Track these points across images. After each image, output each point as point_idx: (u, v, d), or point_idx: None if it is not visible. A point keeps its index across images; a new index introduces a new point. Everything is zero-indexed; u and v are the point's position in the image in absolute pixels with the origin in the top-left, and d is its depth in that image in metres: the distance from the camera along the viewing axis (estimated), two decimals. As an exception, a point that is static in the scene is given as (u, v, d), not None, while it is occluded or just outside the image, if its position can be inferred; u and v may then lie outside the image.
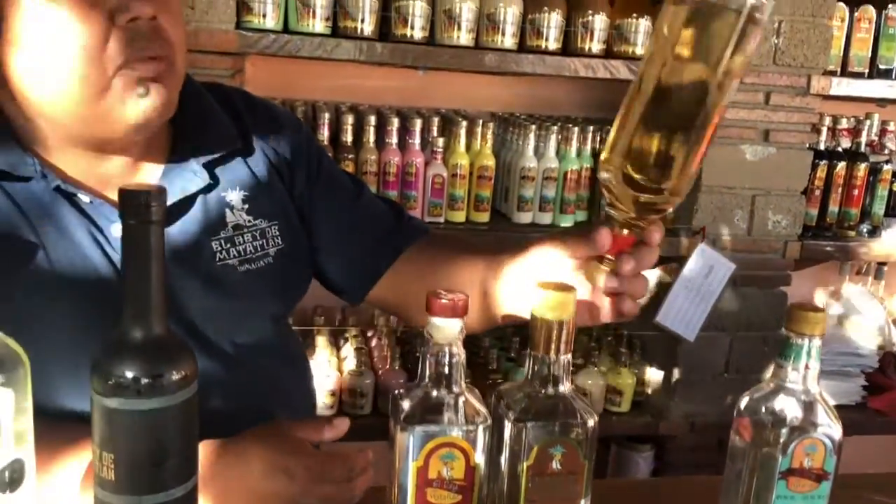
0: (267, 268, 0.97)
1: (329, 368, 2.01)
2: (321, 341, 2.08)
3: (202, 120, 0.97)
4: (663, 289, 2.00)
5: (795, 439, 0.75)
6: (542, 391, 0.69)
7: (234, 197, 0.97)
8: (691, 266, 2.08)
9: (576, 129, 2.03)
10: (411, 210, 1.92)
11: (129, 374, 0.62)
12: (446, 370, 0.67)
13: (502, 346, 2.18)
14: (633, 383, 2.15)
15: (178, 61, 0.88)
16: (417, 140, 1.93)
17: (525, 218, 2.02)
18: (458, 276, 0.98)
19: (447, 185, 1.96)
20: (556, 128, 2.01)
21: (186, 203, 0.93)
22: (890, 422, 2.26)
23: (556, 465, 0.68)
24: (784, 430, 0.75)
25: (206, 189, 0.95)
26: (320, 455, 0.83)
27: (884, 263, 2.40)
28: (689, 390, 2.13)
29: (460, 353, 0.67)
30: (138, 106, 0.84)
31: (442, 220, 1.97)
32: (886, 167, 2.18)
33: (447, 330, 0.66)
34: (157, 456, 0.64)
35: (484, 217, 2.01)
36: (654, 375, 2.21)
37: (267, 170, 1.01)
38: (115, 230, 0.87)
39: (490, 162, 1.98)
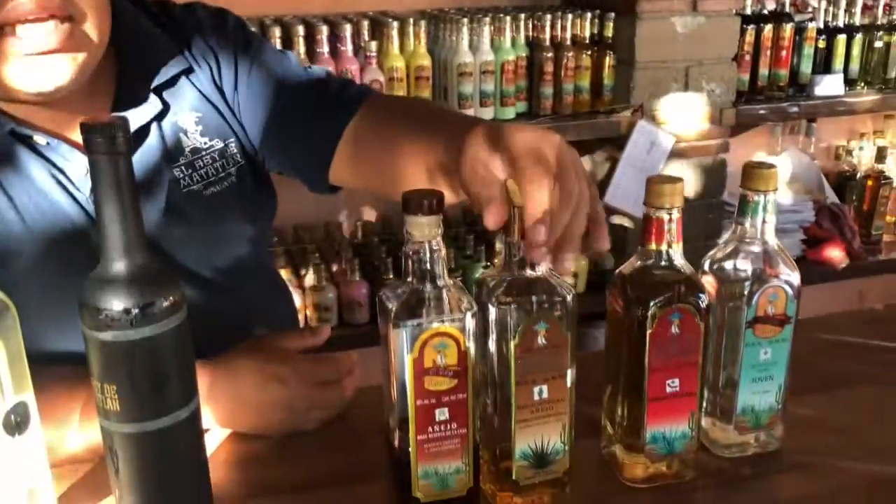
0: (231, 187, 0.96)
1: (290, 288, 2.01)
2: (279, 262, 2.08)
3: (143, 42, 0.92)
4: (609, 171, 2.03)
5: (758, 290, 0.79)
6: (521, 274, 0.71)
7: (187, 120, 0.94)
8: (633, 143, 2.12)
9: (507, 18, 2.01)
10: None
11: (119, 307, 0.63)
12: (429, 265, 0.69)
13: (458, 245, 2.21)
14: (585, 265, 2.21)
15: (88, 20, 0.79)
16: (350, 47, 1.90)
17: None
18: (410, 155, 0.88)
19: (385, 90, 1.94)
20: (487, 19, 1.99)
21: (141, 133, 0.91)
22: (827, 271, 2.38)
23: (541, 340, 0.71)
24: (747, 283, 0.80)
25: (159, 116, 0.92)
26: (308, 360, 0.85)
27: (813, 120, 2.48)
28: (642, 264, 2.20)
29: (441, 248, 0.69)
30: (36, 79, 0.78)
31: (384, 125, 1.95)
32: (811, 25, 2.22)
33: (426, 227, 0.67)
34: (158, 381, 0.65)
35: (425, 118, 1.99)
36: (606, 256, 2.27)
37: (210, 85, 0.97)
38: (76, 169, 0.85)
39: (426, 62, 1.96)
